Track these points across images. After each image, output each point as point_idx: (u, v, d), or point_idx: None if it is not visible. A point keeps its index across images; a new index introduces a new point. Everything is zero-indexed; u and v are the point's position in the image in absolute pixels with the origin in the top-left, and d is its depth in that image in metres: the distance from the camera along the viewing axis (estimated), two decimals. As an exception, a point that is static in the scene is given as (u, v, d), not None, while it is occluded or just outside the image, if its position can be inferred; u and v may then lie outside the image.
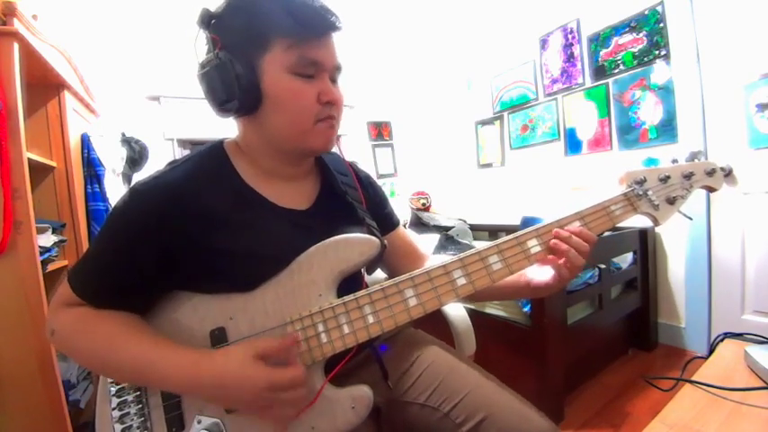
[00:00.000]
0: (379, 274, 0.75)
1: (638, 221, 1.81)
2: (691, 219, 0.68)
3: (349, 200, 0.67)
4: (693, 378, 0.66)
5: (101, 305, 0.53)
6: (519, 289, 0.65)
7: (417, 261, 0.75)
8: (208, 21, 0.55)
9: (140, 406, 0.53)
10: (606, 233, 1.70)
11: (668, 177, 0.62)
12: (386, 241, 0.63)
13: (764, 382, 0.62)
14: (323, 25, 0.54)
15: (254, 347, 0.48)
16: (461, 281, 0.55)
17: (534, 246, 0.58)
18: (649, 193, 0.61)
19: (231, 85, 0.53)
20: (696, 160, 0.64)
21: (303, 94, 0.55)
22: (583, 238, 0.57)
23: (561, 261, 0.57)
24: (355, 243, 0.57)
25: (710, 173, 0.63)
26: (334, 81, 0.60)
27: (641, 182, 0.62)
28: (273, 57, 0.53)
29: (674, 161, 0.64)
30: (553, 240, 0.57)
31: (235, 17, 0.54)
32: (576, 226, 0.58)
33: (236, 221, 0.55)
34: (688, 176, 0.62)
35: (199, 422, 0.51)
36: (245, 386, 0.46)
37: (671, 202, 0.62)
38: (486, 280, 0.56)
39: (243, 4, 0.54)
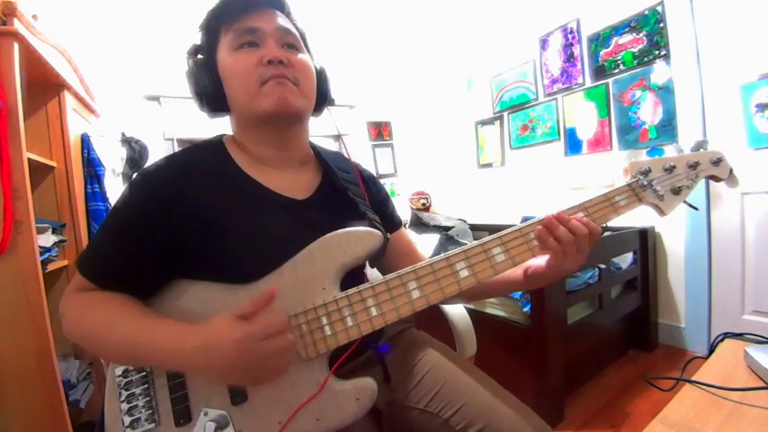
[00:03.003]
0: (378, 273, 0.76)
1: (638, 221, 1.82)
2: (697, 209, 0.67)
3: (350, 195, 0.67)
4: (693, 378, 0.66)
5: (106, 286, 0.55)
6: (515, 281, 0.65)
7: (416, 262, 0.74)
8: (191, 51, 0.64)
9: (148, 398, 0.54)
10: (606, 233, 1.71)
11: (673, 167, 0.61)
12: (388, 235, 0.63)
13: (764, 382, 0.62)
14: (250, 2, 0.60)
15: (233, 311, 0.48)
16: (464, 273, 0.55)
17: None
18: (654, 183, 0.60)
19: (200, 83, 0.61)
20: (702, 150, 0.62)
21: (243, 60, 0.58)
22: (570, 227, 0.56)
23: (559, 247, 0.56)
24: (358, 236, 0.57)
25: (716, 162, 0.61)
26: (291, 47, 0.62)
27: (646, 172, 0.61)
28: (221, 44, 0.61)
29: (680, 151, 0.63)
30: (539, 227, 0.57)
31: (201, 35, 0.64)
32: (579, 217, 0.58)
33: (236, 210, 0.57)
34: (693, 166, 0.61)
35: (205, 414, 0.52)
36: (225, 343, 0.45)
37: (676, 192, 0.61)
38: (489, 272, 0.56)
39: (202, 21, 0.63)
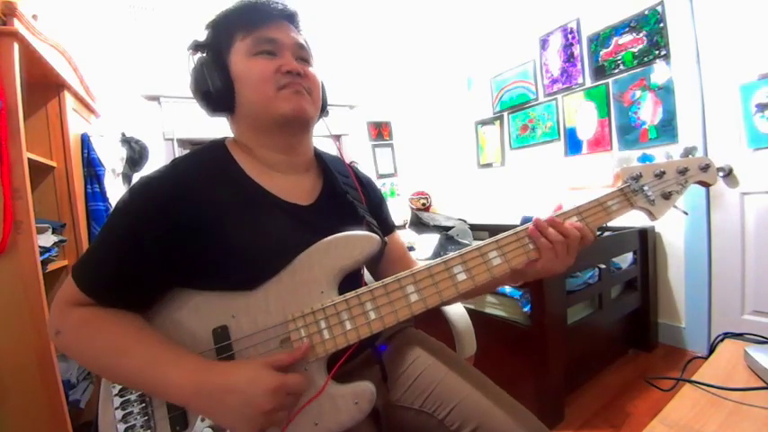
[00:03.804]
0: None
1: (638, 221, 1.82)
2: (686, 213, 0.69)
3: (350, 199, 0.68)
4: (693, 378, 0.66)
5: (105, 301, 0.53)
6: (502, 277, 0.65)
7: (408, 267, 0.74)
8: (194, 47, 0.65)
9: (143, 405, 0.53)
10: (606, 233, 1.71)
11: (663, 173, 0.63)
12: (385, 239, 0.63)
13: (764, 382, 0.62)
14: (269, 11, 0.62)
15: (266, 358, 0.50)
16: (462, 276, 0.56)
17: (533, 241, 0.59)
18: (645, 188, 0.63)
19: (208, 81, 0.61)
20: (690, 156, 0.65)
21: (262, 66, 0.60)
22: (562, 230, 0.57)
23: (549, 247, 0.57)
24: (356, 240, 0.57)
25: (704, 168, 0.64)
26: (304, 60, 0.65)
27: (637, 177, 0.63)
28: (236, 48, 0.62)
29: (669, 157, 0.65)
30: (531, 227, 0.58)
31: (209, 33, 0.65)
32: (573, 221, 0.59)
33: (240, 214, 0.56)
34: (683, 172, 0.63)
35: (202, 420, 0.51)
36: (260, 390, 0.46)
37: (666, 197, 0.63)
38: (486, 275, 0.56)
39: (211, 21, 0.64)
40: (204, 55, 0.64)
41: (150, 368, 0.49)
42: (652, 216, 0.63)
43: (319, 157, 0.73)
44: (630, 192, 0.62)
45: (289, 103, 0.60)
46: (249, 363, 0.50)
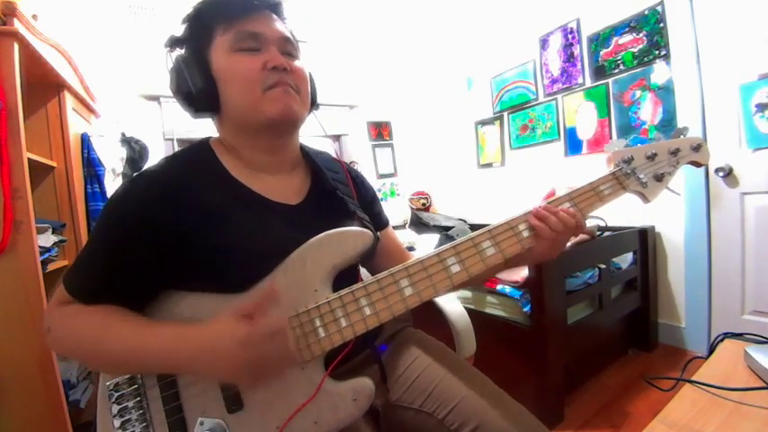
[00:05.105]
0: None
1: (638, 221, 1.82)
2: (678, 194, 0.69)
3: (340, 194, 0.67)
4: (693, 378, 0.66)
5: (93, 303, 0.53)
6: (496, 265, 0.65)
7: (404, 261, 0.74)
8: (171, 43, 0.62)
9: (141, 411, 0.52)
10: (606, 233, 1.71)
11: (655, 155, 0.62)
12: (378, 234, 0.63)
13: (764, 382, 0.62)
14: (251, 1, 0.58)
15: (232, 308, 0.48)
16: (455, 268, 0.56)
17: (525, 230, 0.59)
18: (637, 171, 0.62)
19: (188, 81, 0.58)
20: (682, 136, 0.64)
21: (246, 64, 0.57)
22: (561, 218, 0.58)
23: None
24: (349, 236, 0.57)
25: (696, 148, 0.63)
26: (289, 55, 0.61)
27: (629, 160, 0.62)
28: (217, 44, 0.58)
29: (660, 138, 0.65)
30: (537, 223, 0.58)
31: (186, 27, 0.61)
32: (566, 207, 0.60)
33: (230, 217, 0.55)
34: (674, 153, 0.63)
35: (201, 423, 0.51)
36: (229, 342, 0.46)
37: (659, 178, 0.62)
38: (479, 266, 0.56)
39: (189, 14, 0.61)
40: (183, 52, 0.60)
41: (134, 342, 0.49)
42: (645, 199, 0.62)
43: (306, 154, 0.71)
44: (623, 175, 0.62)
45: (276, 104, 0.57)
46: (217, 318, 0.48)
